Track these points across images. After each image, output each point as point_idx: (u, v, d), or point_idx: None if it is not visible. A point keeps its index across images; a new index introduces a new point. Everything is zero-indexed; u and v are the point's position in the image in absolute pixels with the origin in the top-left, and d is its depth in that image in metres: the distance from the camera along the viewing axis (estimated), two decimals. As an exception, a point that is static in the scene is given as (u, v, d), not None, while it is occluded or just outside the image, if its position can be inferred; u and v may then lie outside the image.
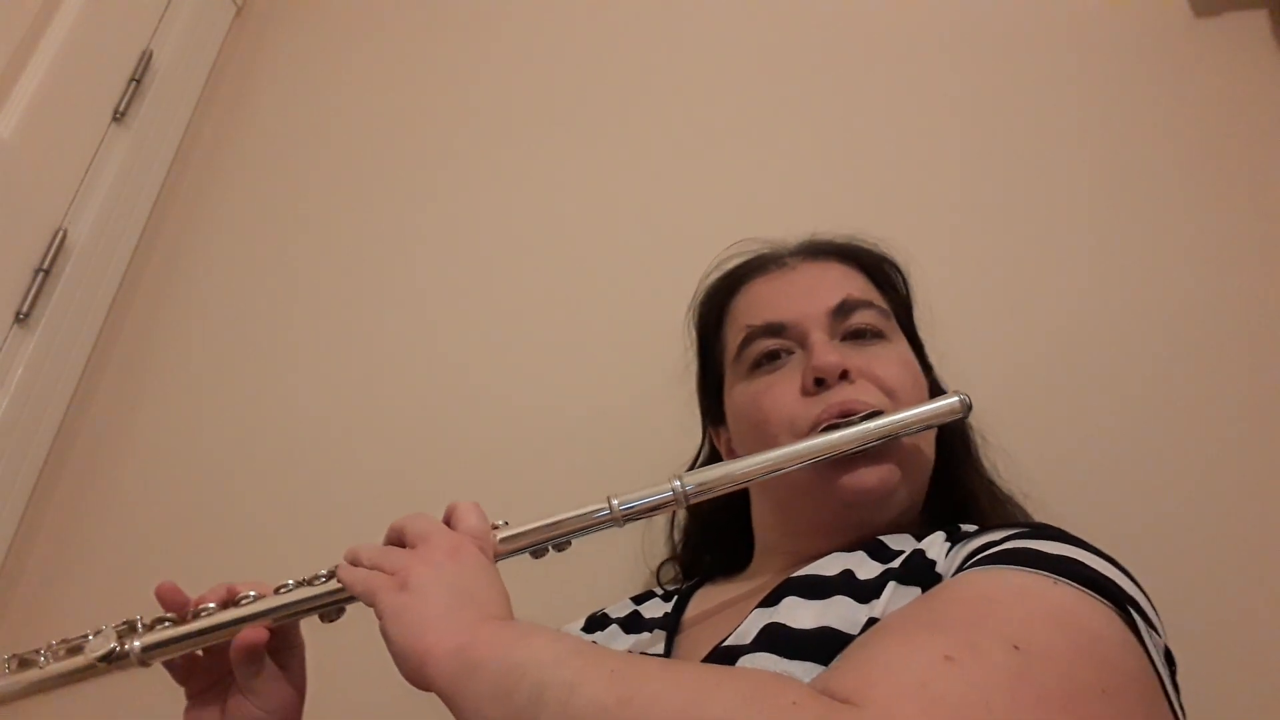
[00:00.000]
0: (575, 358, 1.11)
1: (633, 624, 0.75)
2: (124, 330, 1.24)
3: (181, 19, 1.37)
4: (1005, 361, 0.97)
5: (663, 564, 0.88)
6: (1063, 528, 0.58)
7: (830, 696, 0.40)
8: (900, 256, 0.82)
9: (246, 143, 1.39)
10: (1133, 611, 0.49)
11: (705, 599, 0.75)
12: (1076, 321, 0.99)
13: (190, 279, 1.28)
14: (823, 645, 0.53)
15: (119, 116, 1.25)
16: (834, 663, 0.47)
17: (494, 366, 1.13)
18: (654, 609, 0.76)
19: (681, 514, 0.88)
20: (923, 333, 0.81)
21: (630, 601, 0.79)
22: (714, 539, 0.84)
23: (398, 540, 0.60)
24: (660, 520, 0.90)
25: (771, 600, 0.60)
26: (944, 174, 1.11)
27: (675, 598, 0.76)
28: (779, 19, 1.27)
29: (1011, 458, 0.79)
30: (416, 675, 0.50)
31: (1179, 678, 0.54)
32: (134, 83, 1.28)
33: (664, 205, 1.18)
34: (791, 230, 0.84)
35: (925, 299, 0.83)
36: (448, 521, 0.61)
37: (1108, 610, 0.48)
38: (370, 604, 0.55)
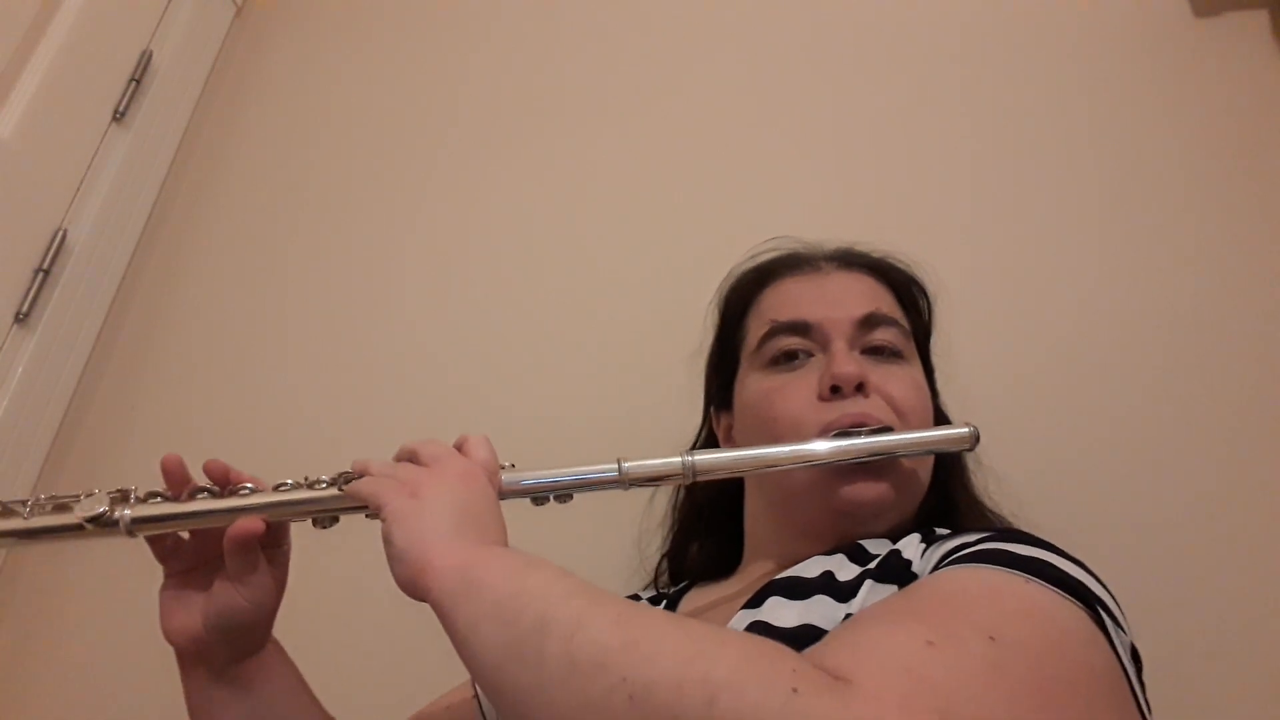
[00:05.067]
0: (580, 346, 1.11)
1: None
2: (124, 330, 1.24)
3: (181, 19, 1.36)
4: (1002, 370, 0.97)
5: (659, 563, 0.88)
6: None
7: (822, 670, 0.41)
8: (930, 282, 0.82)
9: (246, 142, 1.39)
10: (1100, 610, 0.50)
11: (695, 602, 0.76)
12: (1074, 325, 0.99)
13: (190, 279, 1.28)
14: (804, 642, 0.54)
15: (119, 116, 1.25)
16: (823, 641, 0.48)
17: (501, 355, 1.13)
18: None
19: (677, 506, 0.89)
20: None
21: None
22: (705, 533, 0.85)
23: (409, 459, 0.61)
24: (657, 511, 0.90)
25: (756, 601, 0.61)
26: (940, 175, 1.11)
27: (665, 601, 0.76)
28: (778, 19, 1.27)
29: (1002, 479, 0.79)
30: (412, 583, 0.51)
31: (1148, 676, 0.56)
32: (134, 83, 1.27)
33: (677, 196, 1.18)
34: (795, 228, 0.84)
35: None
36: (459, 450, 0.62)
37: (1075, 608, 0.49)
38: (376, 507, 0.56)
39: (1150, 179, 1.04)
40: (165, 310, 1.26)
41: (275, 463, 1.10)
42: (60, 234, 1.15)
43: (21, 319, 1.09)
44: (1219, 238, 0.99)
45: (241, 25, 1.49)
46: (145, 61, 1.30)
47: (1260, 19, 1.08)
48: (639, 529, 0.91)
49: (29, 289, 1.11)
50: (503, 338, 1.14)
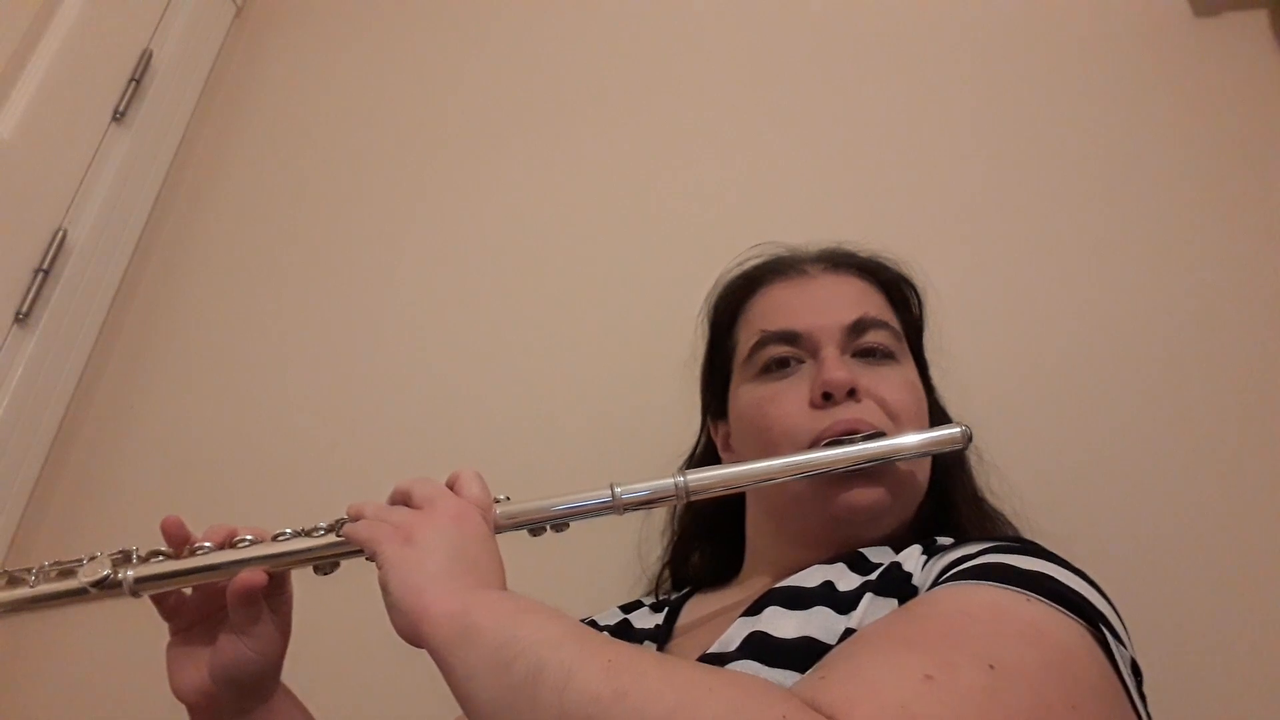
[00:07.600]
0: (575, 352, 1.11)
1: (622, 633, 0.75)
2: (124, 330, 1.24)
3: (181, 19, 1.36)
4: (1002, 370, 0.97)
5: (660, 572, 0.88)
6: (1041, 543, 0.59)
7: (815, 709, 0.41)
8: (919, 278, 0.82)
9: (246, 143, 1.39)
10: (1102, 627, 0.50)
11: (696, 609, 0.76)
12: (1074, 323, 0.98)
13: (190, 279, 1.28)
14: (803, 654, 0.54)
15: (119, 116, 1.25)
16: (817, 669, 0.48)
17: (495, 360, 1.13)
18: (644, 619, 0.77)
19: (677, 515, 0.89)
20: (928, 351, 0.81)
21: (619, 610, 0.80)
22: (706, 542, 0.85)
23: (403, 501, 0.61)
24: (657, 519, 0.90)
25: (754, 610, 0.61)
26: (939, 175, 1.11)
27: (666, 609, 0.76)
28: (774, 23, 1.27)
29: (1004, 475, 0.79)
30: (410, 631, 0.51)
31: (1148, 675, 0.56)
32: (134, 83, 1.28)
33: (667, 201, 1.18)
34: (792, 231, 0.84)
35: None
36: (451, 487, 0.62)
37: (1078, 626, 0.49)
38: (371, 554, 0.56)
39: (1149, 178, 1.04)
40: (165, 310, 1.26)
41: (274, 461, 1.12)
42: (60, 234, 1.15)
43: (21, 319, 1.09)
44: (1218, 236, 0.99)
45: (241, 25, 1.50)
46: (145, 61, 1.30)
47: (1260, 19, 1.08)
48: (639, 535, 0.91)
49: (29, 289, 1.11)
50: (498, 338, 1.14)
